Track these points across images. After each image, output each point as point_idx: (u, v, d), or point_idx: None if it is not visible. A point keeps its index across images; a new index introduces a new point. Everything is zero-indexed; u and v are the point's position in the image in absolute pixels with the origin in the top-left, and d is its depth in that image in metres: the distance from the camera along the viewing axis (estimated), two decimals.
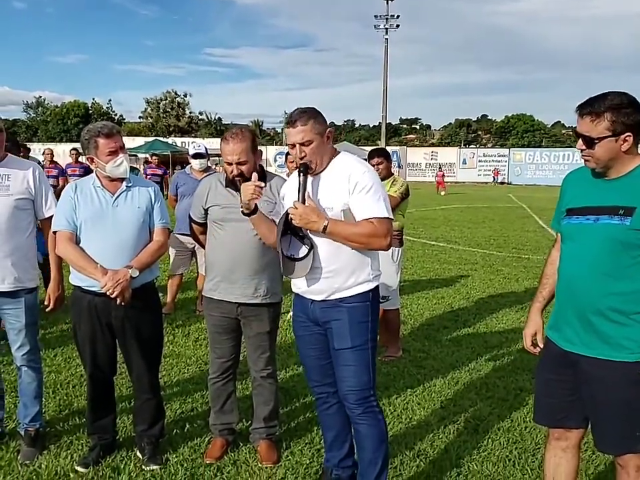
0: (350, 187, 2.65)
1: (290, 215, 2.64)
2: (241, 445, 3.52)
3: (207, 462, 3.33)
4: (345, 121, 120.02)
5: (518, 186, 45.34)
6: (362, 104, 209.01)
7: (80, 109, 71.69)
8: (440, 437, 3.70)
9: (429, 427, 3.84)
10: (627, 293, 2.25)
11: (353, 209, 2.66)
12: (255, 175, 2.86)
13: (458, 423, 3.91)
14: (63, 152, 28.04)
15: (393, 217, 2.73)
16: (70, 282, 3.22)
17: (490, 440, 3.67)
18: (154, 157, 14.46)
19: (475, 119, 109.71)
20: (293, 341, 5.29)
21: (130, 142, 41.16)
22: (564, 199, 2.51)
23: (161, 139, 48.94)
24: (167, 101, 73.20)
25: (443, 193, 31.89)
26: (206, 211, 3.35)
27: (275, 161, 45.34)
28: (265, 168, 3.42)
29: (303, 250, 2.72)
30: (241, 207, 2.83)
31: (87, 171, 10.16)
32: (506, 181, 48.44)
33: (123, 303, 3.06)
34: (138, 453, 3.37)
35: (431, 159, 51.50)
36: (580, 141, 2.28)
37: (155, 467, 3.25)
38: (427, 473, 3.27)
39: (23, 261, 3.29)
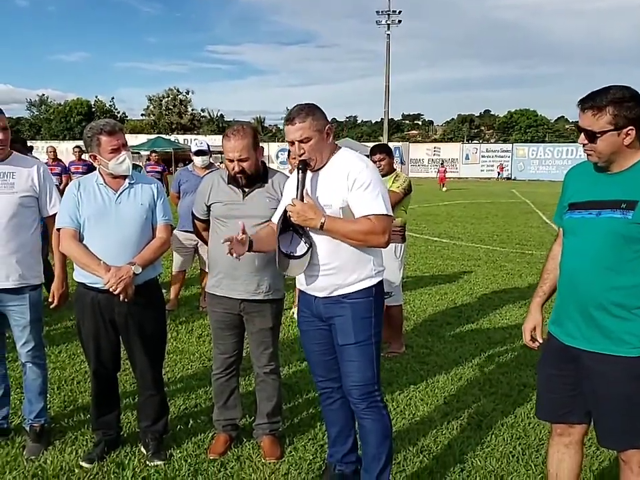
0: (349, 183, 2.64)
1: (288, 212, 2.65)
2: (245, 440, 3.53)
3: (211, 457, 3.35)
4: (347, 117, 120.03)
5: (521, 181, 45.27)
6: (364, 100, 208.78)
7: (83, 106, 71.69)
8: (443, 432, 3.71)
9: (432, 422, 3.85)
10: (629, 287, 2.25)
11: (351, 206, 2.66)
12: (241, 225, 2.76)
13: (461, 418, 3.91)
14: (66, 150, 28.05)
15: (392, 214, 2.72)
16: (74, 279, 3.23)
17: (493, 436, 3.67)
18: (153, 154, 14.46)
19: (478, 114, 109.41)
20: (295, 337, 5.31)
21: (132, 139, 41.21)
22: (566, 193, 2.51)
23: (163, 136, 48.95)
24: (169, 99, 73.21)
25: (444, 189, 31.85)
26: (208, 207, 3.36)
27: (277, 157, 45.39)
28: (267, 165, 3.42)
29: (302, 247, 2.72)
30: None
31: (90, 169, 10.19)
32: (510, 176, 48.32)
33: (125, 300, 3.07)
34: (142, 449, 3.39)
35: (434, 154, 51.40)
36: (582, 136, 2.28)
37: (159, 463, 3.27)
38: (430, 469, 3.28)
39: (27, 258, 3.31)
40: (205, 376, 4.46)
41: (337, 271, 2.72)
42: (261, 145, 3.26)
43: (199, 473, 3.21)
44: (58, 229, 3.17)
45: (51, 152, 11.27)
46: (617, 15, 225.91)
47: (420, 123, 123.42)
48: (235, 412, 3.52)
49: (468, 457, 3.41)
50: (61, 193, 3.40)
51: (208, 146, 6.43)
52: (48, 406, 3.68)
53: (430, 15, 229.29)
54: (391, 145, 6.36)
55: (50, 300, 3.43)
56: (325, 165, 2.74)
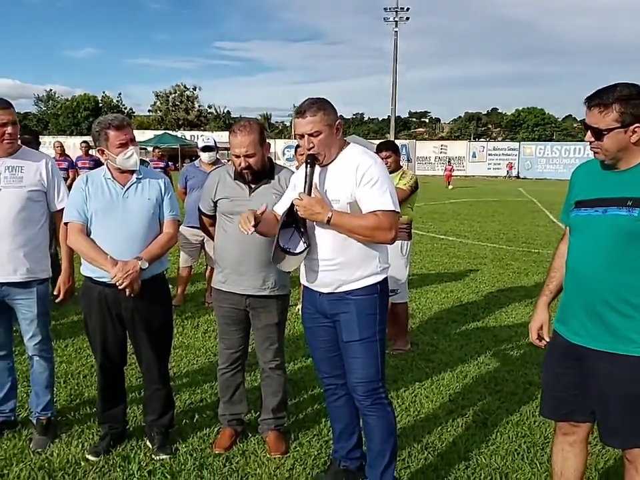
0: (357, 179, 2.64)
1: (295, 206, 2.64)
2: (250, 435, 3.54)
3: (216, 452, 3.36)
4: (353, 114, 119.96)
5: (528, 180, 45.11)
6: (371, 97, 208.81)
7: (90, 102, 71.90)
8: (448, 430, 3.71)
9: (437, 420, 3.85)
10: (635, 285, 2.24)
11: (359, 201, 2.65)
12: (263, 207, 2.77)
13: (466, 416, 3.91)
14: (73, 145, 28.14)
15: (399, 210, 2.71)
16: (81, 273, 3.24)
17: (498, 433, 3.67)
18: (156, 150, 14.48)
19: (485, 112, 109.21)
20: (301, 333, 5.31)
21: (139, 135, 41.30)
22: (573, 191, 2.50)
23: (170, 132, 49.08)
24: (176, 95, 73.38)
25: (450, 187, 31.78)
26: (215, 203, 3.37)
27: (284, 154, 45.35)
28: (273, 161, 3.42)
29: (300, 246, 2.72)
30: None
31: (97, 164, 10.21)
32: (519, 174, 48.13)
33: (132, 295, 3.08)
34: (148, 443, 3.40)
35: (440, 152, 51.27)
36: (589, 133, 2.27)
37: (164, 457, 3.28)
38: (434, 466, 3.28)
39: (35, 252, 3.32)
40: (211, 371, 4.47)
41: (342, 266, 2.72)
42: (267, 141, 3.26)
43: (204, 467, 3.22)
44: (65, 223, 3.19)
45: (58, 147, 11.29)
46: (627, 12, 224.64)
47: (427, 120, 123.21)
48: (240, 407, 3.53)
49: (473, 454, 3.41)
50: (68, 187, 3.41)
51: (215, 142, 6.44)
52: (54, 399, 3.70)
53: (438, 12, 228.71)
54: (397, 142, 6.33)
55: (55, 294, 3.45)
56: (333, 160, 2.74)
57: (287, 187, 3.12)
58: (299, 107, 2.70)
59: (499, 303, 7.01)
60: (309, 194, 2.63)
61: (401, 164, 5.38)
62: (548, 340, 2.61)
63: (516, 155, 49.60)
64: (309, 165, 2.65)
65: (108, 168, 3.20)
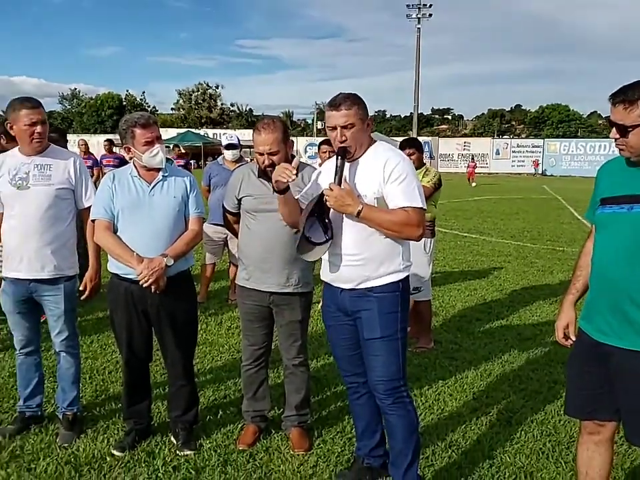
0: (385, 175, 2.64)
1: (325, 196, 2.62)
2: (273, 432, 3.55)
3: (240, 448, 3.38)
4: (376, 112, 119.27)
5: (552, 177, 44.58)
6: (393, 94, 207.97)
7: (114, 100, 72.74)
8: (472, 428, 3.68)
9: (460, 418, 3.82)
10: None
11: (386, 198, 2.65)
12: (295, 160, 2.86)
13: (490, 414, 3.88)
14: (97, 143, 28.38)
15: (426, 208, 2.72)
16: (107, 269, 3.28)
17: (523, 432, 3.64)
18: (176, 148, 14.61)
19: (509, 109, 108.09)
20: (323, 330, 5.30)
21: (162, 133, 41.19)
22: (598, 188, 2.47)
23: (193, 130, 49.44)
24: (199, 93, 73.86)
25: (473, 184, 31.54)
26: (239, 200, 3.38)
27: (306, 152, 45.40)
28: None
29: (323, 237, 2.70)
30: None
31: (121, 162, 10.34)
32: (545, 172, 47.57)
33: (157, 291, 3.11)
34: (172, 439, 3.43)
35: (464, 149, 50.91)
36: (614, 130, 2.25)
37: (188, 452, 3.31)
38: (459, 464, 3.26)
39: (62, 250, 3.37)
40: (234, 367, 4.50)
41: (365, 262, 2.71)
42: (290, 139, 3.27)
43: (228, 463, 3.24)
44: (93, 221, 3.23)
45: (82, 145, 11.45)
46: None
47: (450, 117, 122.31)
48: (263, 403, 3.55)
49: (497, 453, 3.38)
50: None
51: (238, 140, 6.48)
52: (80, 395, 3.75)
53: (461, 8, 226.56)
54: (420, 139, 6.31)
55: (81, 289, 3.49)
56: (361, 156, 2.74)
57: None
58: (332, 99, 2.69)
59: (523, 301, 6.94)
60: (339, 185, 2.62)
61: (424, 161, 5.36)
62: (574, 339, 2.58)
63: (540, 152, 49.07)
64: (339, 157, 2.65)
65: (134, 166, 3.23)
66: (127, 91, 77.94)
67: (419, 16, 53.65)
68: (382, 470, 3.08)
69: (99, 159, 11.69)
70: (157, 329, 3.31)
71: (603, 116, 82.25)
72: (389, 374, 2.75)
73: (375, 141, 2.81)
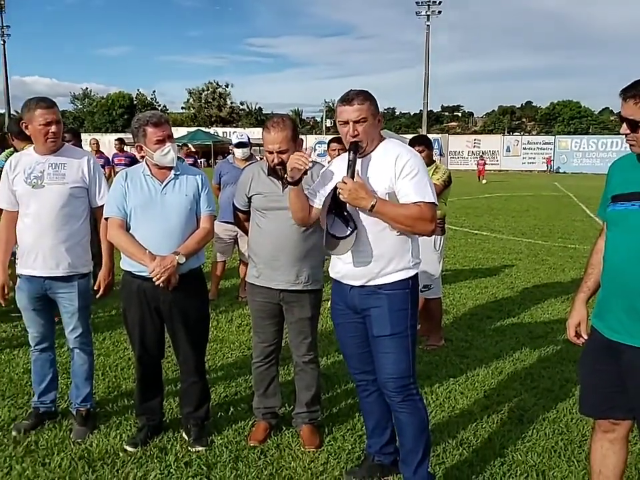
0: (396, 171, 2.65)
1: (338, 190, 2.62)
2: (284, 429, 3.57)
3: (251, 444, 3.39)
4: (385, 109, 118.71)
5: (564, 174, 44.31)
6: (403, 91, 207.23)
7: (125, 100, 72.98)
8: (483, 426, 3.68)
9: (472, 416, 3.82)
10: None
11: (398, 193, 2.65)
12: (309, 149, 2.87)
13: (502, 412, 3.88)
14: (108, 142, 28.56)
15: (438, 204, 2.72)
16: (120, 267, 3.30)
17: (535, 430, 3.63)
18: (185, 147, 14.68)
19: (519, 105, 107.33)
20: (334, 328, 5.32)
21: (173, 132, 41.70)
22: (610, 185, 2.45)
23: (203, 129, 49.54)
24: (209, 92, 73.92)
25: (484, 182, 31.42)
26: (249, 199, 3.39)
27: (315, 150, 45.36)
28: None
29: (344, 230, 2.69)
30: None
31: (132, 161, 10.41)
32: (559, 169, 47.25)
33: (169, 288, 3.13)
34: (184, 435, 3.46)
35: (474, 146, 50.70)
36: (624, 125, 2.23)
37: (200, 449, 3.33)
38: (470, 462, 3.26)
39: (76, 247, 3.40)
40: (245, 364, 4.52)
41: (375, 258, 2.71)
42: (300, 137, 3.27)
43: (240, 459, 3.26)
44: (106, 219, 3.26)
45: (93, 144, 11.52)
46: None
47: (459, 114, 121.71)
48: (274, 400, 3.56)
49: (508, 451, 3.38)
50: None
51: (248, 138, 6.49)
52: (93, 391, 3.78)
53: (471, 4, 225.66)
54: (430, 136, 6.29)
55: (96, 288, 3.52)
56: (371, 152, 2.75)
57: None
58: (344, 95, 2.71)
59: (534, 299, 6.91)
60: (352, 178, 2.62)
61: (434, 158, 5.35)
62: (586, 337, 2.57)
63: (551, 149, 48.79)
64: (351, 152, 2.65)
65: (147, 164, 3.25)
66: (138, 90, 78.13)
67: (428, 13, 53.34)
68: (392, 467, 3.08)
69: (110, 158, 11.75)
70: (169, 325, 3.33)
71: (615, 112, 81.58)
72: (399, 371, 2.75)
73: (385, 138, 2.82)
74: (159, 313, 3.28)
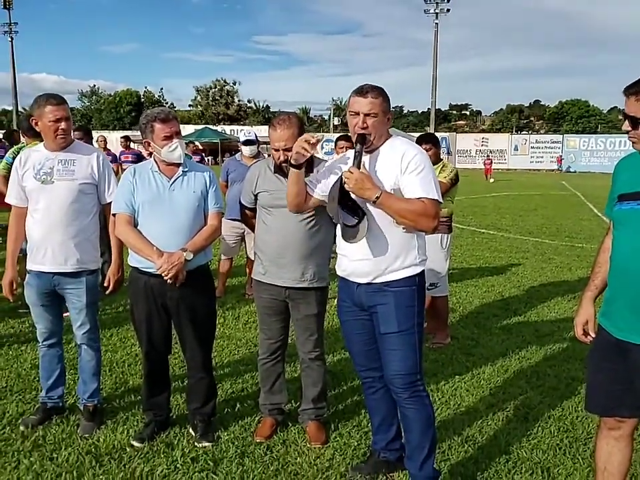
0: (402, 167, 2.66)
1: (344, 179, 2.62)
2: (290, 425, 3.58)
3: (257, 440, 3.41)
4: (393, 107, 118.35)
5: (572, 173, 44.12)
6: (410, 90, 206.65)
7: (132, 97, 73.08)
8: (489, 423, 3.68)
9: (477, 413, 3.83)
10: None
11: (403, 189, 2.66)
12: (317, 136, 2.88)
13: (507, 410, 3.88)
14: (115, 139, 28.65)
15: (442, 201, 2.73)
16: (128, 263, 3.33)
17: (540, 428, 3.63)
18: (191, 144, 14.73)
19: (528, 104, 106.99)
20: (339, 325, 5.33)
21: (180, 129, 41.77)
22: (616, 185, 2.45)
23: (210, 126, 49.60)
24: (216, 89, 73.96)
25: (491, 180, 31.34)
26: (256, 196, 3.41)
27: (322, 147, 45.26)
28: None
29: (352, 220, 2.67)
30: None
31: (139, 158, 10.46)
32: (570, 168, 47.03)
33: (176, 285, 3.15)
34: (191, 430, 3.48)
35: (482, 145, 50.54)
36: (626, 122, 2.23)
37: (207, 444, 3.35)
38: (475, 459, 3.27)
39: (85, 243, 3.43)
40: (252, 361, 4.54)
41: (381, 255, 2.72)
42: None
43: (246, 455, 3.28)
44: (114, 215, 3.28)
45: (101, 141, 11.56)
46: None
47: (467, 113, 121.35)
48: (280, 396, 3.58)
49: (514, 448, 3.38)
50: None
51: (256, 136, 6.50)
52: (100, 387, 3.80)
53: (479, 2, 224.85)
54: (437, 135, 6.29)
55: (105, 285, 3.55)
56: (378, 147, 2.76)
57: None
58: (359, 87, 2.72)
59: (541, 298, 6.90)
60: (358, 169, 2.62)
61: (441, 157, 5.35)
62: (594, 336, 2.57)
63: (559, 148, 48.58)
64: (358, 143, 2.66)
65: (155, 161, 3.27)
66: (146, 87, 78.28)
67: (436, 11, 53.06)
68: (398, 464, 3.09)
69: (117, 155, 11.80)
70: (176, 322, 3.35)
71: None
72: (406, 368, 2.76)
73: (391, 136, 2.83)
74: (166, 309, 3.29)
